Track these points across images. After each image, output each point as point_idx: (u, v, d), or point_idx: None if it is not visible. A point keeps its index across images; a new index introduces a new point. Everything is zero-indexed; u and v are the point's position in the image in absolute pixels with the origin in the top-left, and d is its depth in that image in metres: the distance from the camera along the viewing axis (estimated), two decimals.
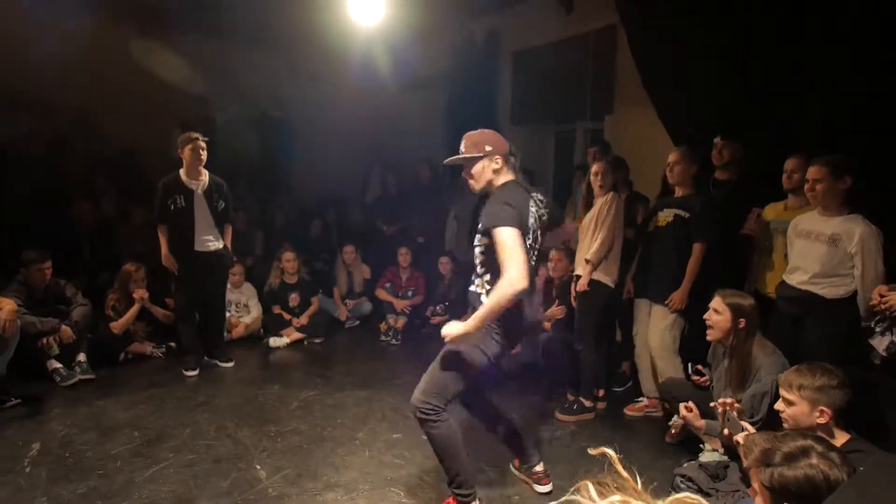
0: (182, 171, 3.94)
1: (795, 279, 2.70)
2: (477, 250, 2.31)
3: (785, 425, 1.96)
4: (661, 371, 3.31)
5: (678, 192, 3.32)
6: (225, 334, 4.71)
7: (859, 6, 2.98)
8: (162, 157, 6.26)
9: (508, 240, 2.09)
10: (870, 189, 2.55)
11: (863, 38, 2.97)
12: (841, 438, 1.86)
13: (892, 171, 2.66)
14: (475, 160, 2.33)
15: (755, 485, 1.38)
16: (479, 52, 6.41)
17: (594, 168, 3.41)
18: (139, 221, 5.40)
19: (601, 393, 3.67)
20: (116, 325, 4.21)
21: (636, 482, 0.84)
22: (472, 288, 2.37)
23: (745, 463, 1.43)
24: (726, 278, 3.18)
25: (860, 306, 2.50)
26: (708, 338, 2.63)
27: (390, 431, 3.27)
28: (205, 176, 3.99)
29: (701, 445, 2.81)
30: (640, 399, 3.61)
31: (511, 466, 2.86)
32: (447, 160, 2.43)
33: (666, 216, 3.31)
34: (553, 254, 3.97)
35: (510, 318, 2.25)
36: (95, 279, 4.95)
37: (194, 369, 4.09)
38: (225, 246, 4.14)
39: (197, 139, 3.88)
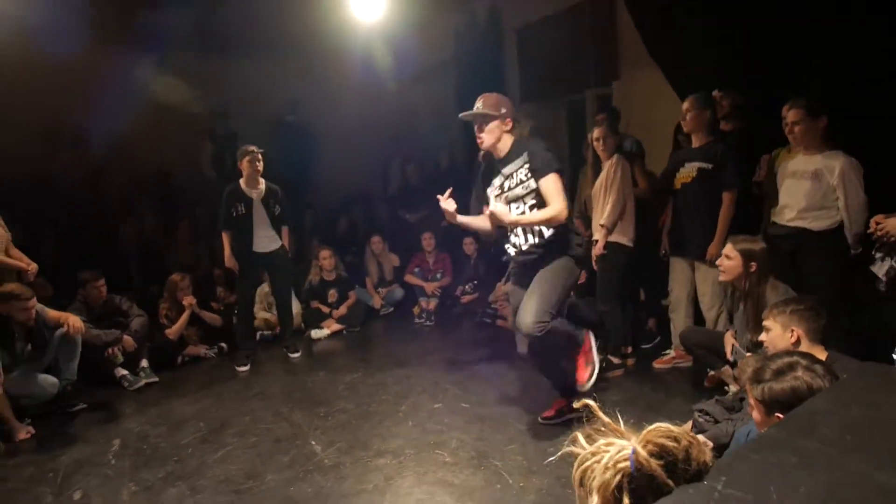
0: (242, 181, 4.34)
1: (785, 217, 2.86)
2: (527, 205, 2.62)
3: (767, 350, 2.11)
4: (710, 323, 3.40)
5: (695, 142, 3.38)
6: (267, 333, 5.05)
7: None
8: (194, 172, 6.63)
9: (557, 182, 2.54)
10: (852, 127, 2.65)
11: None
12: (821, 356, 1.97)
13: (883, 111, 2.71)
14: (491, 118, 2.63)
15: (751, 401, 1.53)
16: (482, 33, 6.51)
17: (595, 134, 3.52)
18: (184, 236, 5.75)
19: (629, 350, 3.81)
20: (171, 332, 4.55)
21: (618, 424, 1.00)
22: (525, 243, 2.69)
23: (740, 383, 1.58)
24: (742, 228, 3.27)
25: (847, 235, 2.65)
26: (720, 279, 2.75)
27: (431, 402, 3.49)
28: (262, 184, 4.38)
29: (725, 387, 2.94)
30: (667, 352, 3.73)
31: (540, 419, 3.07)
32: (463, 114, 2.71)
33: (689, 171, 3.36)
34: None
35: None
36: (146, 292, 5.33)
37: (245, 365, 4.41)
38: (283, 245, 4.50)
39: (253, 151, 4.28)
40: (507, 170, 2.71)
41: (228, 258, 4.38)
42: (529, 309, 2.56)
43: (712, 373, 3.16)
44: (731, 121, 3.52)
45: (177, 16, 5.88)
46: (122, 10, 5.45)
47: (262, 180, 4.37)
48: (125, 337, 4.18)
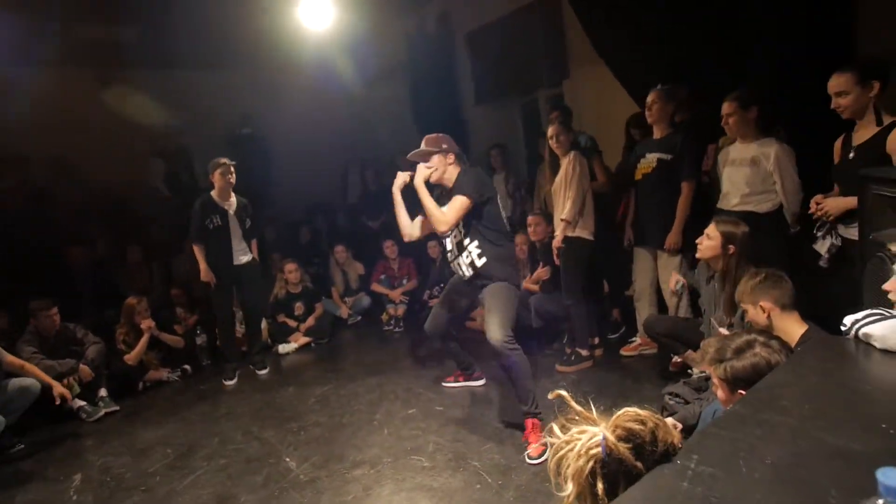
0: (214, 193, 4.26)
1: (730, 202, 3.01)
2: (470, 239, 2.90)
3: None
4: (672, 310, 3.46)
5: (656, 133, 3.46)
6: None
7: None
8: (145, 191, 6.41)
9: (462, 204, 2.80)
10: (789, 115, 2.81)
11: None
12: (800, 329, 2.04)
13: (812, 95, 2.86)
14: (433, 153, 2.92)
15: (714, 380, 1.59)
16: (433, 37, 6.55)
17: (549, 132, 3.59)
18: (136, 258, 5.55)
19: (596, 341, 3.89)
20: (130, 357, 4.37)
21: (591, 412, 1.03)
22: (466, 267, 2.96)
23: (703, 364, 1.63)
24: (694, 214, 3.38)
25: (787, 215, 2.85)
26: (696, 255, 2.81)
27: (405, 409, 3.47)
28: (233, 197, 4.32)
29: (689, 371, 3.04)
30: (633, 340, 3.83)
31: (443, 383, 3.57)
32: (409, 154, 2.99)
33: (649, 162, 3.44)
34: (530, 218, 4.17)
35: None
36: (101, 316, 5.10)
37: (232, 379, 4.34)
38: (254, 258, 4.47)
39: (226, 164, 4.19)
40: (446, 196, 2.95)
41: (205, 272, 4.26)
42: (495, 325, 2.77)
43: (676, 358, 3.26)
44: (680, 112, 3.63)
45: (120, 31, 5.70)
46: (63, 27, 5.25)
47: (233, 193, 4.31)
48: (81, 366, 4.00)
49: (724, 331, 2.30)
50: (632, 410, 1.00)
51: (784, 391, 1.26)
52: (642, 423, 0.97)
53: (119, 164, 6.09)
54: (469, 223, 2.89)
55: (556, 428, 1.02)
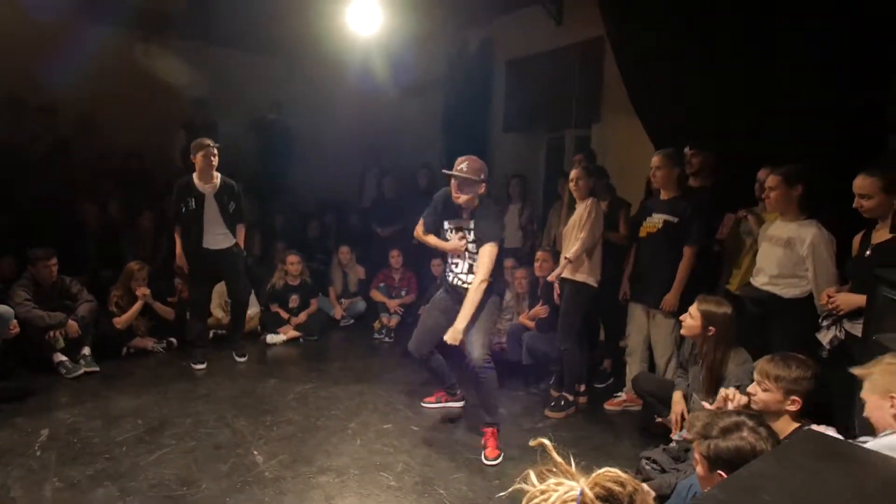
0: (195, 175, 4.17)
1: (759, 280, 2.91)
2: (472, 248, 3.11)
3: (754, 407, 2.08)
4: (660, 370, 3.45)
5: (664, 195, 3.47)
6: (219, 331, 4.91)
7: (829, 30, 3.19)
8: (166, 160, 6.47)
9: (493, 251, 3.02)
10: (826, 197, 2.76)
11: (829, 59, 3.19)
12: (794, 425, 2.03)
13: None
14: (475, 183, 3.04)
15: (696, 455, 1.57)
16: (474, 59, 6.61)
17: (571, 175, 3.60)
18: (147, 225, 5.58)
19: (582, 388, 3.85)
20: (120, 321, 4.37)
21: (570, 464, 1.02)
22: (462, 280, 3.16)
23: (688, 435, 1.61)
24: (701, 282, 3.38)
25: (816, 305, 2.69)
26: (682, 332, 2.81)
27: (381, 422, 3.45)
28: (216, 179, 4.22)
29: (671, 435, 3.00)
30: (619, 394, 3.79)
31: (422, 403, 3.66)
32: (451, 173, 3.06)
33: (655, 222, 3.44)
34: (539, 254, 4.16)
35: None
36: (98, 276, 5.11)
37: (202, 363, 4.28)
38: (236, 244, 4.35)
39: (209, 146, 4.11)
40: (470, 224, 3.15)
41: (179, 256, 4.26)
42: (477, 346, 3.05)
43: (659, 419, 3.23)
44: (700, 178, 3.65)
45: (168, 1, 5.79)
46: None
47: (216, 175, 4.20)
48: (70, 321, 4.00)
49: (707, 405, 2.26)
50: (613, 471, 1.00)
51: (766, 483, 1.23)
52: (622, 485, 0.96)
53: (146, 130, 6.16)
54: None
55: (532, 475, 1.01)
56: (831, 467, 1.36)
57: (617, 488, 0.95)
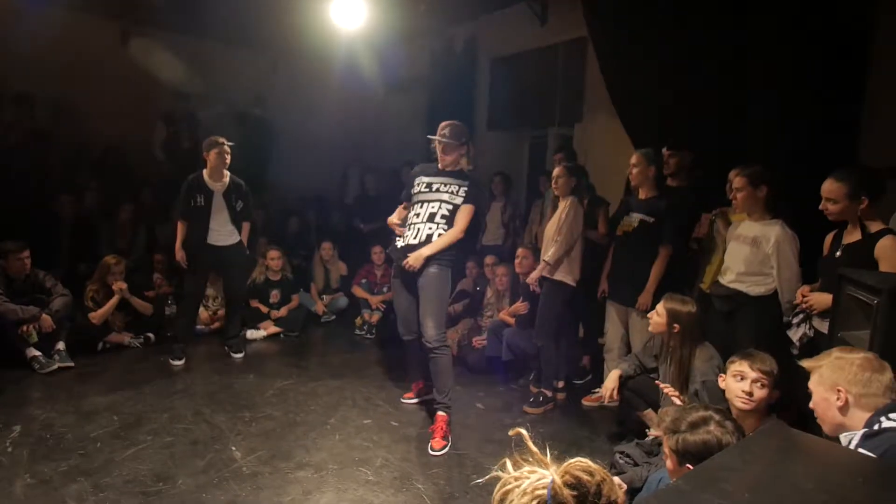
0: (205, 172, 4.20)
1: (726, 278, 2.98)
2: (446, 208, 3.22)
3: (744, 407, 2.11)
4: None
5: (641, 195, 3.52)
6: (201, 327, 4.86)
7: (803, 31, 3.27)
8: (145, 152, 6.38)
9: (470, 213, 3.21)
10: (794, 197, 2.84)
11: (807, 64, 3.27)
12: (767, 417, 2.09)
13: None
14: (457, 146, 3.26)
15: (665, 449, 1.61)
16: (458, 57, 6.62)
17: (554, 173, 3.64)
18: (125, 218, 5.49)
19: (561, 384, 3.90)
20: (95, 316, 4.31)
21: (545, 455, 1.06)
22: (423, 235, 3.22)
23: (657, 430, 1.65)
24: (679, 280, 3.44)
25: (781, 303, 2.77)
26: (650, 329, 2.88)
27: (360, 418, 3.45)
28: (226, 177, 4.25)
29: (647, 430, 3.05)
30: (597, 390, 3.83)
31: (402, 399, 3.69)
32: (435, 137, 3.29)
33: (631, 221, 3.49)
34: (519, 251, 4.20)
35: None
36: (74, 270, 5.03)
37: (181, 359, 4.24)
38: (240, 241, 4.38)
39: (223, 144, 4.15)
40: (444, 179, 3.29)
41: (178, 251, 4.24)
42: (431, 325, 3.16)
43: (638, 413, 3.28)
44: (678, 178, 3.71)
45: None
46: None
47: (227, 173, 4.26)
48: (43, 315, 3.94)
49: (676, 400, 2.31)
50: (583, 461, 1.04)
51: (729, 475, 1.27)
52: (591, 474, 1.00)
53: (125, 120, 6.08)
54: (451, 222, 3.22)
55: (508, 463, 1.04)
56: (794, 459, 1.40)
57: (585, 477, 0.99)
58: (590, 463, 1.04)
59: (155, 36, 6.37)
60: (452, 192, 3.25)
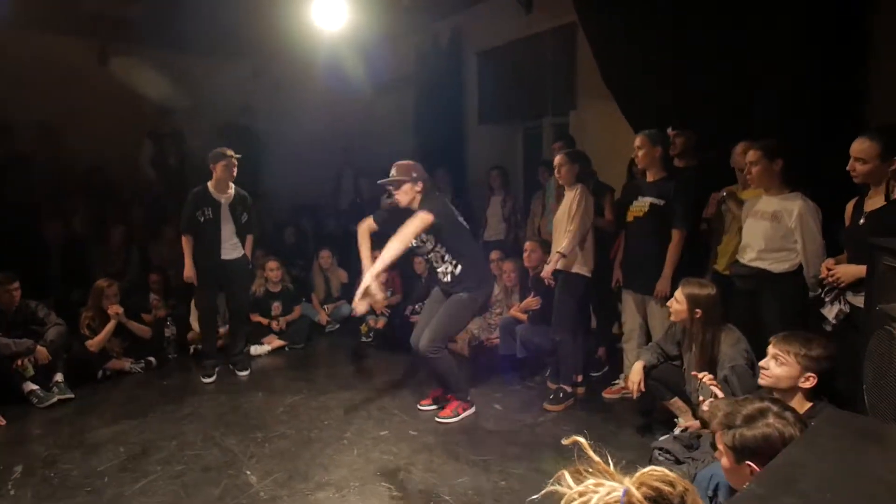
0: (211, 184, 4.13)
1: (746, 257, 2.88)
2: (429, 245, 3.32)
3: (762, 381, 2.05)
4: None
5: (649, 177, 3.41)
6: (198, 346, 4.72)
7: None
8: (131, 171, 6.22)
9: (418, 223, 3.14)
10: (809, 170, 2.75)
11: (807, 31, 3.18)
12: (807, 404, 2.00)
13: (837, 154, 2.85)
14: (404, 182, 3.24)
15: (720, 446, 1.50)
16: (444, 53, 6.50)
17: (555, 161, 3.53)
18: (116, 239, 5.34)
19: (579, 378, 3.79)
20: (93, 343, 4.16)
21: (608, 464, 0.94)
22: (446, 276, 3.37)
23: (711, 427, 1.54)
24: (692, 263, 3.34)
25: (806, 278, 2.68)
26: (671, 319, 2.78)
27: (377, 429, 3.33)
28: (231, 189, 4.18)
29: (676, 420, 2.96)
30: (616, 382, 3.75)
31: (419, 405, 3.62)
32: (381, 181, 3.34)
33: (641, 206, 3.38)
34: (527, 244, 4.09)
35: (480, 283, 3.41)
36: (67, 297, 4.88)
37: (211, 376, 4.18)
38: (244, 255, 4.32)
39: (231, 156, 4.09)
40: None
41: (189, 268, 4.13)
42: (426, 335, 3.27)
43: (663, 403, 3.18)
44: (685, 158, 3.61)
45: (129, 7, 5.55)
46: None
47: (232, 185, 4.19)
48: (38, 347, 3.78)
49: (717, 391, 2.21)
50: (659, 470, 0.92)
51: (801, 472, 1.17)
52: (671, 485, 0.89)
53: (108, 141, 5.93)
54: (441, 240, 3.30)
55: (567, 476, 0.93)
56: (863, 449, 1.30)
57: (667, 488, 0.88)
58: (667, 472, 0.92)
59: (133, 53, 6.21)
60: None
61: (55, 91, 5.60)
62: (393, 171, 3.29)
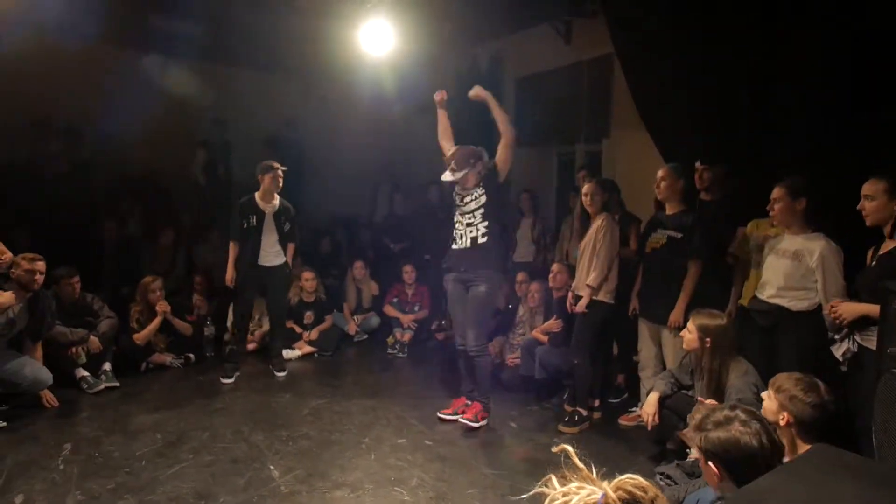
0: (258, 194, 4.41)
1: (765, 293, 2.90)
2: (472, 206, 3.57)
3: (762, 413, 2.12)
4: None
5: (669, 210, 3.48)
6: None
7: (841, 38, 3.21)
8: (183, 177, 6.61)
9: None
10: (836, 209, 2.77)
11: (841, 70, 3.21)
12: (805, 446, 2.02)
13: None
14: (468, 172, 3.52)
15: (694, 449, 1.60)
16: (483, 77, 6.69)
17: (584, 189, 3.63)
18: (165, 242, 5.70)
19: (596, 403, 3.84)
20: (139, 337, 4.46)
21: (591, 471, 1.06)
22: (468, 240, 3.56)
23: (689, 430, 1.65)
24: (714, 296, 3.37)
25: (826, 319, 2.67)
26: (683, 347, 2.83)
27: (395, 437, 3.47)
28: (276, 200, 4.45)
29: (687, 451, 2.98)
30: (633, 409, 3.78)
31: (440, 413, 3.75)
32: (452, 177, 3.55)
33: (659, 238, 3.45)
34: (554, 266, 4.17)
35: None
36: (119, 292, 5.23)
37: (230, 378, 4.38)
38: (285, 262, 4.56)
39: (277, 168, 4.36)
40: (466, 194, 3.59)
41: (230, 273, 4.41)
42: (472, 335, 3.52)
43: (679, 433, 3.21)
44: (710, 192, 3.65)
45: (187, 23, 5.98)
46: (134, 12, 5.52)
47: (277, 196, 4.45)
48: (91, 337, 4.10)
49: (711, 401, 2.27)
50: (635, 477, 1.04)
51: (773, 496, 1.25)
52: (644, 490, 1.00)
53: (163, 148, 6.31)
54: (486, 212, 3.52)
55: (554, 479, 1.05)
56: (840, 480, 1.37)
57: (639, 493, 0.99)
58: (641, 479, 1.04)
59: (189, 66, 6.64)
60: (475, 199, 3.58)
61: (118, 101, 6.04)
62: (452, 163, 3.56)
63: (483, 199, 3.53)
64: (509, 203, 3.71)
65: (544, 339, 4.15)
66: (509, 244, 3.78)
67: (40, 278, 3.62)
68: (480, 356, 3.54)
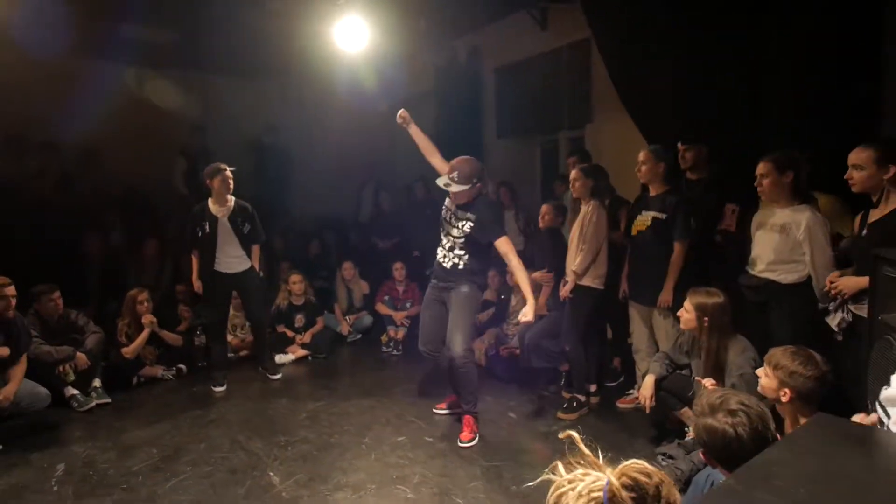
0: (211, 200, 4.27)
1: (756, 268, 2.91)
2: (456, 233, 3.33)
3: (759, 390, 2.12)
4: None
5: (652, 192, 3.48)
6: (230, 354, 4.91)
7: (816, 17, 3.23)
8: (166, 187, 6.51)
9: (509, 242, 3.29)
10: (820, 183, 2.79)
11: (817, 46, 3.22)
12: (802, 421, 2.03)
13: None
14: (465, 185, 3.22)
15: (692, 429, 1.61)
16: (463, 69, 6.68)
17: (571, 176, 3.62)
18: (150, 254, 5.61)
19: (593, 388, 3.85)
20: (128, 351, 4.38)
21: (597, 457, 1.05)
22: (449, 263, 3.38)
23: (693, 412, 1.65)
24: (706, 274, 3.38)
25: (815, 290, 2.69)
26: (681, 327, 2.84)
27: (394, 435, 3.45)
28: (230, 202, 4.30)
29: (686, 429, 3.00)
30: (631, 392, 3.79)
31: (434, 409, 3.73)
32: (447, 187, 3.27)
33: (644, 220, 3.45)
34: (543, 207, 4.07)
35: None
36: (104, 307, 5.14)
37: (222, 385, 4.33)
38: (252, 267, 4.42)
39: (224, 170, 4.22)
40: (459, 214, 3.35)
41: (195, 280, 4.33)
42: (457, 340, 3.29)
43: (674, 412, 3.22)
44: (696, 171, 3.66)
45: (161, 33, 5.88)
46: (107, 21, 5.42)
47: (230, 198, 4.29)
48: (78, 354, 4.02)
49: (709, 380, 2.28)
50: (640, 462, 1.02)
51: (780, 469, 1.24)
52: (648, 476, 0.99)
53: (144, 159, 6.21)
54: (470, 242, 3.32)
55: (560, 466, 1.03)
56: (845, 451, 1.36)
57: (643, 479, 0.98)
58: (646, 464, 1.03)
59: (167, 75, 6.54)
60: (460, 229, 3.35)
61: (96, 113, 5.92)
62: (454, 175, 3.25)
63: (467, 228, 3.31)
64: (500, 219, 3.54)
65: (544, 311, 4.00)
66: (491, 261, 3.57)
67: (13, 301, 3.52)
68: (466, 365, 3.32)
